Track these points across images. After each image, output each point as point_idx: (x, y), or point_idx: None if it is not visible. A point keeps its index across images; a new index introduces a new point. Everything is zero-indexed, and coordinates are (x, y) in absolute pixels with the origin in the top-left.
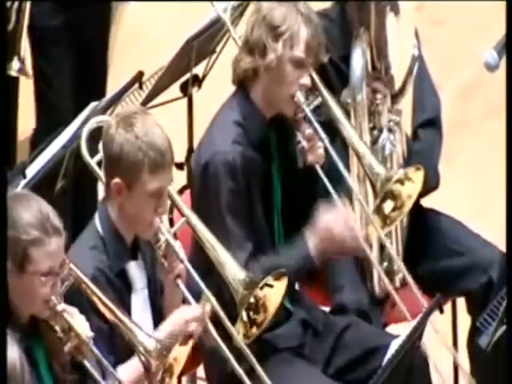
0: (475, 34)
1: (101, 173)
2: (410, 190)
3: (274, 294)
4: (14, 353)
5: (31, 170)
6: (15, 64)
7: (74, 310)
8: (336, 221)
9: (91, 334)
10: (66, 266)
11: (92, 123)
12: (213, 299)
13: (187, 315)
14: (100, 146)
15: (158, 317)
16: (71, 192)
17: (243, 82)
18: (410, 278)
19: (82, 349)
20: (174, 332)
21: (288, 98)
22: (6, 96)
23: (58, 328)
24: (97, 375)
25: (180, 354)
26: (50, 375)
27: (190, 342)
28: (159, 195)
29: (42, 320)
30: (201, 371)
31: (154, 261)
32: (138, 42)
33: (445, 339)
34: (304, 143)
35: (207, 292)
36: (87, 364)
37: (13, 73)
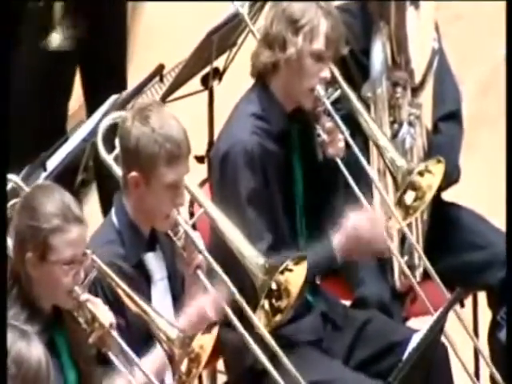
0: (491, 30)
1: (118, 169)
2: (429, 181)
3: (294, 277)
4: (39, 351)
5: (51, 163)
6: (55, 38)
7: (97, 300)
8: (363, 222)
9: (114, 321)
10: (89, 256)
11: (108, 119)
12: (234, 289)
13: (203, 302)
14: (117, 141)
15: (179, 308)
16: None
17: (262, 76)
18: (432, 271)
19: (107, 340)
20: (193, 322)
21: (308, 91)
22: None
23: (81, 320)
24: (122, 367)
25: (204, 341)
26: (72, 367)
27: (215, 330)
28: (177, 187)
29: (65, 312)
30: (221, 365)
31: (173, 252)
32: (159, 36)
33: (467, 331)
34: (324, 136)
35: (228, 282)
36: (112, 356)
37: (53, 46)
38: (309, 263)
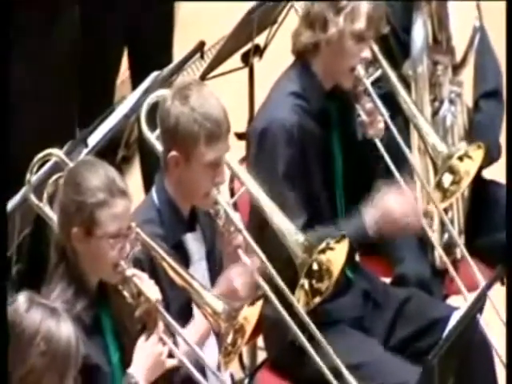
0: None
1: (160, 146)
2: (468, 167)
3: (336, 256)
4: (68, 330)
5: (93, 139)
6: None
7: (143, 275)
8: (398, 200)
9: (160, 297)
10: (133, 229)
11: (152, 97)
12: (271, 267)
13: (233, 273)
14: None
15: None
16: None
17: (303, 55)
18: (467, 256)
19: (153, 314)
20: (223, 292)
21: (348, 71)
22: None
23: (127, 294)
24: (168, 341)
25: (249, 314)
26: (117, 348)
27: (259, 303)
28: (216, 165)
29: (110, 288)
30: (261, 342)
31: (213, 232)
32: (200, 13)
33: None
34: (364, 117)
35: (266, 261)
36: (157, 329)
37: None
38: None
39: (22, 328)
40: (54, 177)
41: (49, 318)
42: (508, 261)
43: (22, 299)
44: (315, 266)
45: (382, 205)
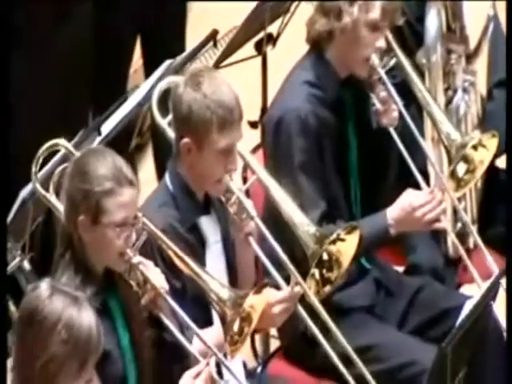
0: None
1: (172, 133)
2: (482, 156)
3: (346, 247)
4: (90, 317)
5: (106, 127)
6: None
7: (149, 263)
8: (420, 199)
9: (167, 286)
10: (139, 219)
11: (163, 84)
12: (284, 256)
13: (272, 297)
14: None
15: (233, 271)
16: None
17: (317, 43)
18: (481, 243)
19: (158, 301)
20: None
21: (363, 60)
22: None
23: (132, 282)
24: (173, 328)
25: (256, 301)
26: (126, 331)
27: (265, 291)
28: (229, 152)
29: (117, 275)
30: (274, 330)
31: (227, 216)
32: (210, 13)
33: None
34: (378, 106)
35: (278, 249)
36: (163, 317)
37: None
38: (361, 235)
39: (44, 315)
40: (61, 167)
41: (71, 306)
42: (508, 251)
43: (44, 286)
44: (325, 256)
45: (405, 205)
